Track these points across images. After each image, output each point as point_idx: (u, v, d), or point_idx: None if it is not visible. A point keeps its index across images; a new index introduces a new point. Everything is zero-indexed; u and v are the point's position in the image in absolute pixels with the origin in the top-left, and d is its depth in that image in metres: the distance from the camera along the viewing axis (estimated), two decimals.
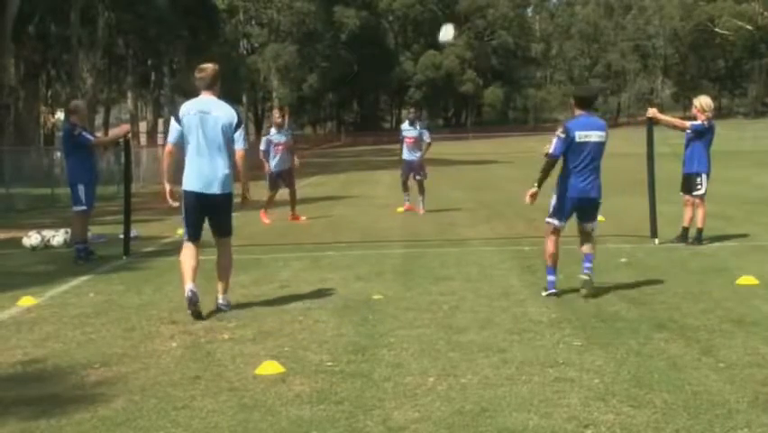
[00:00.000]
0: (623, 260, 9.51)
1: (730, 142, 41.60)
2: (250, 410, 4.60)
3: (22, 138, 36.56)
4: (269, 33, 78.88)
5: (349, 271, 9.19)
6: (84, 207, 10.71)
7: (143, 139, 51.62)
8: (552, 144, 7.37)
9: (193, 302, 6.89)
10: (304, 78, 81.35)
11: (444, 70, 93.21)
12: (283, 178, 15.15)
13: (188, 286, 6.95)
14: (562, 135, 7.31)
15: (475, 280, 8.43)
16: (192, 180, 7.04)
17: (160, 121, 55.73)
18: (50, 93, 54.15)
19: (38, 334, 6.56)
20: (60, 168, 23.33)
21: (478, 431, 4.22)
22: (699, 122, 10.69)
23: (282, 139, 15.10)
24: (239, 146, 7.12)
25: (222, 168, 7.03)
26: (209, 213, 7.19)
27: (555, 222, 7.53)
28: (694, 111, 10.85)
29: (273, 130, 15.43)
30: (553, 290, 7.47)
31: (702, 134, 10.69)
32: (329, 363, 5.47)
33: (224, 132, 7.00)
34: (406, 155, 16.00)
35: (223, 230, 7.32)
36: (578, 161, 7.35)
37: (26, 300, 7.82)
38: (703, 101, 10.84)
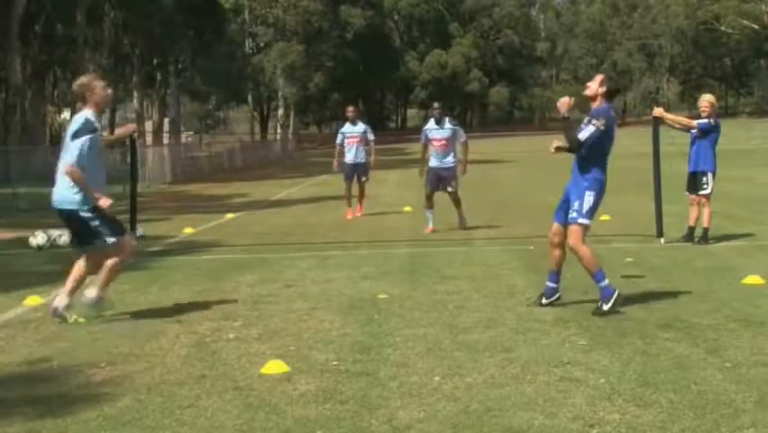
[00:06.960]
0: (629, 259, 9.49)
1: (736, 142, 41.52)
2: (255, 410, 4.60)
3: (28, 137, 36.63)
4: (275, 33, 78.80)
5: (354, 271, 9.19)
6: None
7: (149, 138, 51.69)
8: None
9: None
10: (309, 77, 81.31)
11: (450, 69, 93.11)
12: None
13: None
14: None
15: (481, 280, 8.42)
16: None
17: (166, 120, 55.77)
18: (56, 92, 54.22)
19: (44, 333, 6.58)
20: None
21: (483, 430, 4.22)
22: (705, 120, 10.67)
23: None
24: (66, 159, 6.78)
25: (61, 183, 6.84)
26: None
27: None
28: (702, 108, 10.77)
29: None
30: None
31: (708, 133, 10.66)
32: (334, 363, 5.47)
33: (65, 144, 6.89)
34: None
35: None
36: None
37: (32, 300, 7.83)
38: (712, 99, 10.86)
